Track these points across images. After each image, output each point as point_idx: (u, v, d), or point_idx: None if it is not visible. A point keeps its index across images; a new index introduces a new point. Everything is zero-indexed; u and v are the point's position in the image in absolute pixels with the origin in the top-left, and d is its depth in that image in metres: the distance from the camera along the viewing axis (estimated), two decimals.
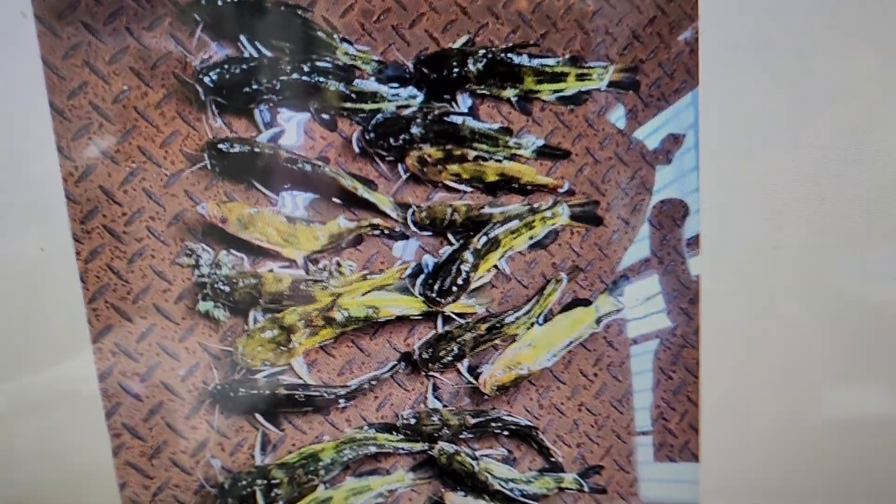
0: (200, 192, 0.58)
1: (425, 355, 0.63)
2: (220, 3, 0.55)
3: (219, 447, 0.61)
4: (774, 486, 0.73)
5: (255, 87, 0.56)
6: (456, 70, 0.60)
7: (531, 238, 0.65)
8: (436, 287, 0.61)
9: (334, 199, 0.61)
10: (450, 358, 0.63)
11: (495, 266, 0.64)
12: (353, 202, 0.61)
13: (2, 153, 0.53)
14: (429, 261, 0.63)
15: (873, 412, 0.72)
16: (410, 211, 0.62)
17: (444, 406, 0.65)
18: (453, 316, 0.64)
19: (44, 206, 0.55)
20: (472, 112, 0.62)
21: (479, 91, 0.61)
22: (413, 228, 0.62)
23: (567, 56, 0.63)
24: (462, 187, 0.63)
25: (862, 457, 0.73)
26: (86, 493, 0.60)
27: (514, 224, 0.64)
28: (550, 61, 0.62)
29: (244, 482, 0.60)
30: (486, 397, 0.65)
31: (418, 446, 0.65)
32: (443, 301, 0.62)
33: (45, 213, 0.55)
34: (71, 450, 0.59)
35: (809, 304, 0.68)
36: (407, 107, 0.61)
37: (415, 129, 0.60)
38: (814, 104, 0.65)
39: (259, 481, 0.60)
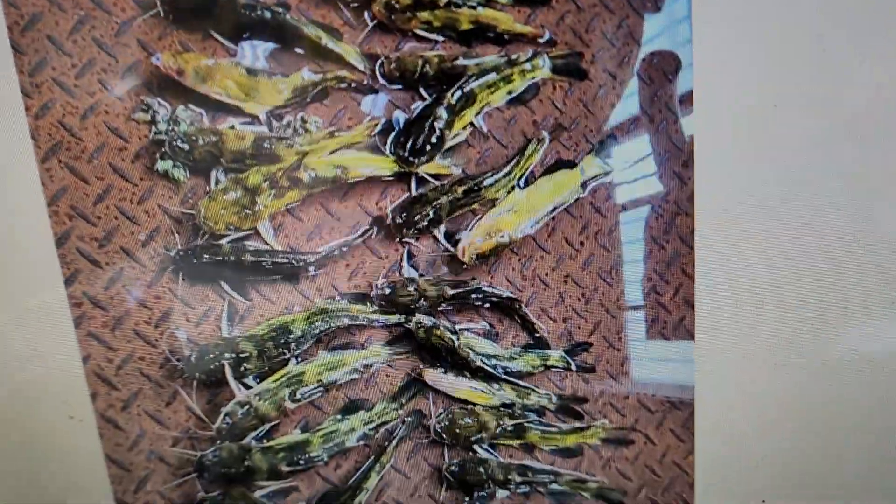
0: (154, 41, 0.62)
1: (399, 220, 0.68)
2: None
3: (184, 317, 0.66)
4: (774, 365, 0.77)
5: None
6: None
7: (510, 93, 0.69)
8: (408, 146, 0.66)
9: (297, 50, 0.65)
10: (425, 223, 0.68)
11: (471, 123, 0.68)
12: (317, 53, 0.65)
13: None
14: (400, 117, 0.67)
15: (877, 295, 0.79)
16: (379, 62, 0.66)
17: (421, 276, 0.70)
18: (427, 177, 0.68)
19: None
20: None
21: None
22: (382, 81, 0.66)
23: None
24: (434, 36, 0.67)
25: (862, 338, 0.79)
26: (50, 368, 0.66)
27: (491, 77, 0.67)
28: None
29: (211, 355, 0.65)
30: (465, 266, 0.70)
31: (394, 319, 0.70)
32: (416, 161, 0.66)
33: None
34: (31, 321, 0.65)
35: (809, 165, 0.73)
36: None
37: None
38: None
39: (227, 354, 0.65)
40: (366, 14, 0.66)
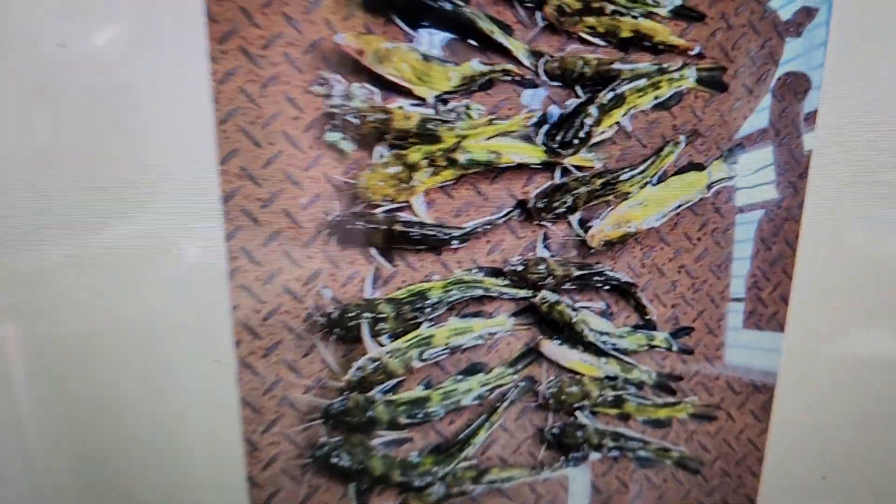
0: (339, 21, 0.71)
1: (540, 204, 0.78)
2: None
3: (331, 278, 0.76)
4: (853, 365, 0.90)
5: None
6: None
7: (656, 98, 0.79)
8: (558, 138, 0.76)
9: (470, 41, 0.74)
10: (563, 209, 0.79)
11: (618, 122, 0.78)
12: (488, 46, 0.74)
13: None
14: (554, 111, 0.77)
15: None
16: (543, 60, 0.75)
17: (552, 256, 0.81)
18: (571, 168, 0.79)
19: (184, 22, 0.68)
20: None
21: None
22: (543, 77, 0.76)
23: None
24: (595, 40, 0.77)
25: None
26: (203, 315, 0.77)
27: (642, 82, 0.78)
28: None
29: (352, 314, 0.75)
30: (592, 251, 0.82)
31: (522, 293, 0.82)
32: (563, 152, 0.77)
33: (184, 29, 0.68)
34: (189, 267, 0.75)
35: None
36: None
37: None
38: None
39: (366, 314, 0.75)
40: (537, 14, 0.76)
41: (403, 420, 0.80)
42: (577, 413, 0.88)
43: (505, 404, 0.85)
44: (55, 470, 0.79)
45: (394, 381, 0.79)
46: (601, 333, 0.85)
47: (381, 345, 0.77)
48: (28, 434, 0.78)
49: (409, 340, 0.78)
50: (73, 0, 0.66)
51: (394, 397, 0.79)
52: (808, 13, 0.80)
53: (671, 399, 0.92)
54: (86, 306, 0.74)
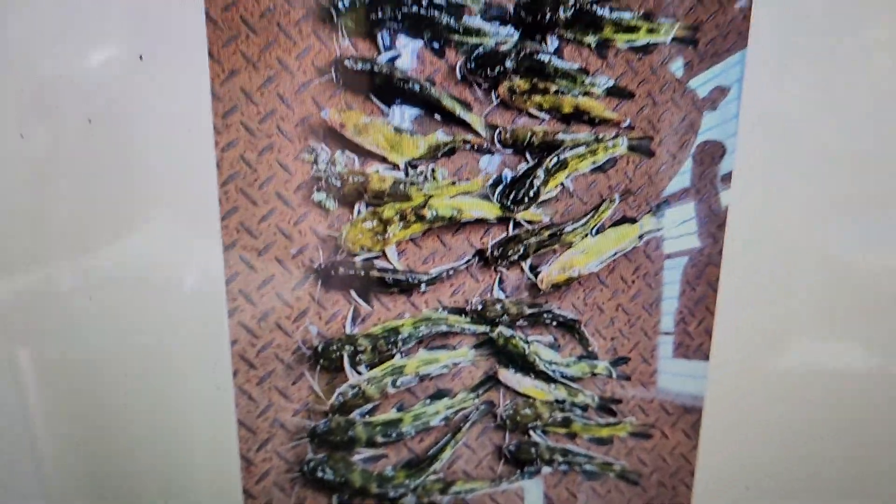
0: (325, 100, 0.80)
1: (496, 253, 0.87)
2: None
3: (317, 316, 0.85)
4: (771, 389, 0.99)
5: (379, 15, 0.80)
6: (548, 16, 0.83)
7: (594, 163, 0.87)
8: (511, 196, 0.85)
9: (436, 116, 0.82)
10: (516, 257, 0.87)
11: (562, 183, 0.87)
12: (450, 120, 0.82)
13: (156, 60, 0.74)
14: (508, 174, 0.85)
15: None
16: (497, 131, 0.84)
17: (507, 297, 0.89)
18: (523, 222, 0.87)
19: (193, 100, 0.79)
20: (558, 52, 0.85)
21: (565, 35, 0.84)
22: (498, 146, 0.84)
23: (641, 12, 0.86)
24: (542, 115, 0.85)
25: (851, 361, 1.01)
26: (205, 348, 0.87)
27: (581, 150, 0.86)
28: (627, 15, 0.85)
29: (334, 347, 0.84)
30: (541, 292, 0.89)
31: (481, 328, 0.90)
32: (516, 209, 0.85)
33: (193, 105, 0.79)
34: (194, 310, 0.84)
35: (824, 239, 0.94)
36: (504, 43, 0.83)
37: (508, 63, 0.84)
38: (848, 66, 0.89)
39: (347, 347, 0.84)
40: (492, 94, 0.86)
41: (379, 439, 0.89)
42: (531, 432, 0.96)
43: (468, 425, 0.93)
44: (66, 485, 0.89)
45: (371, 404, 0.88)
46: (550, 363, 0.94)
47: (360, 373, 0.86)
48: (39, 450, 0.88)
49: (384, 370, 0.87)
50: (103, 79, 0.78)
51: (371, 419, 0.88)
52: (721, 91, 0.90)
53: (612, 419, 0.99)
54: (102, 338, 0.85)
